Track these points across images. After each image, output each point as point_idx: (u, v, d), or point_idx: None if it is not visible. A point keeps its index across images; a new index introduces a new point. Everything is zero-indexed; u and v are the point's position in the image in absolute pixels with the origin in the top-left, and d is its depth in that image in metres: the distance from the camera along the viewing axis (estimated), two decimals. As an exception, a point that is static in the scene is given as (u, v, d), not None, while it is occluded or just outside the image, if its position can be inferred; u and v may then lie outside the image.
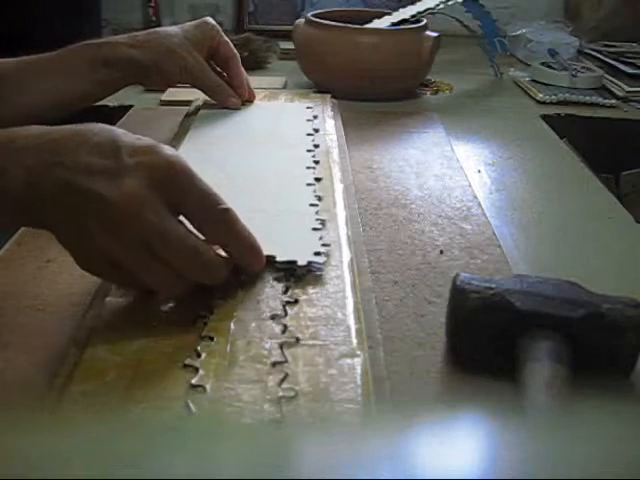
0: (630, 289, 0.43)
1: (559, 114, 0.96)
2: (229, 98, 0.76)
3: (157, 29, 0.76)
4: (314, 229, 0.50)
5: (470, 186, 0.68)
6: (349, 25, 0.94)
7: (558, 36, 1.24)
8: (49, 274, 0.50)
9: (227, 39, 0.77)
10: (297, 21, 1.01)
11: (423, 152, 0.76)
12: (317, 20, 0.95)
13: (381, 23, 1.00)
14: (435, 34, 0.95)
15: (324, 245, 0.48)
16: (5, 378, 0.39)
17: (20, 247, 0.54)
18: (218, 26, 0.77)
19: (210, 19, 0.77)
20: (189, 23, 0.76)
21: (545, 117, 0.93)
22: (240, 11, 1.44)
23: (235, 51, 0.78)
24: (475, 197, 0.65)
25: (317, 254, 0.46)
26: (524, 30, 1.27)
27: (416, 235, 0.57)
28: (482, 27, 1.09)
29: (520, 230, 0.60)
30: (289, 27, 1.04)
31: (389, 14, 1.02)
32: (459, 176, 0.70)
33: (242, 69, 0.78)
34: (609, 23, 1.30)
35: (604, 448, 0.21)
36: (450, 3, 1.03)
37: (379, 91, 0.94)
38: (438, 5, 1.02)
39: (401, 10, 1.03)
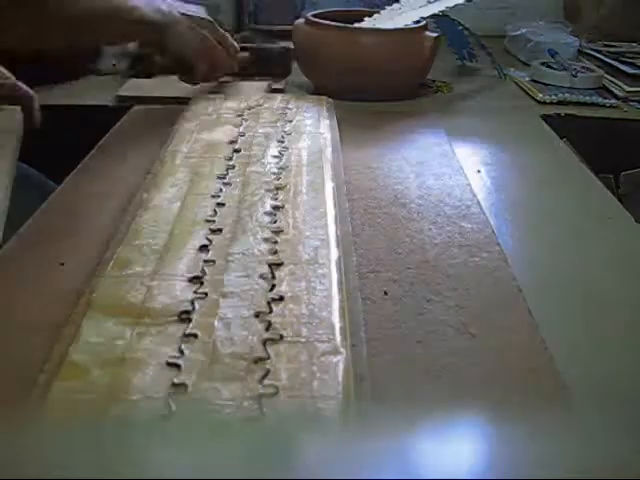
0: (630, 289, 0.43)
1: (559, 114, 0.96)
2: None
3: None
4: None
5: (469, 186, 0.68)
6: (349, 25, 0.94)
7: (558, 36, 1.24)
8: (49, 274, 0.50)
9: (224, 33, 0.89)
10: (297, 21, 1.01)
11: (423, 152, 0.76)
12: (317, 20, 0.95)
13: (380, 20, 1.00)
14: (435, 34, 0.95)
15: None
16: (6, 377, 0.39)
17: (20, 247, 0.54)
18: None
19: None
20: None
21: (545, 117, 0.93)
22: (240, 11, 1.44)
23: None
24: (475, 196, 0.65)
25: None
26: (524, 30, 1.27)
27: (415, 234, 0.57)
28: (450, 41, 1.14)
29: (520, 230, 0.60)
30: (289, 27, 1.04)
31: (382, 11, 1.03)
32: (459, 176, 0.70)
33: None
34: (609, 23, 1.30)
35: (604, 448, 0.21)
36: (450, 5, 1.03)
37: (379, 91, 0.94)
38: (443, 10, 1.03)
39: (404, 15, 1.02)
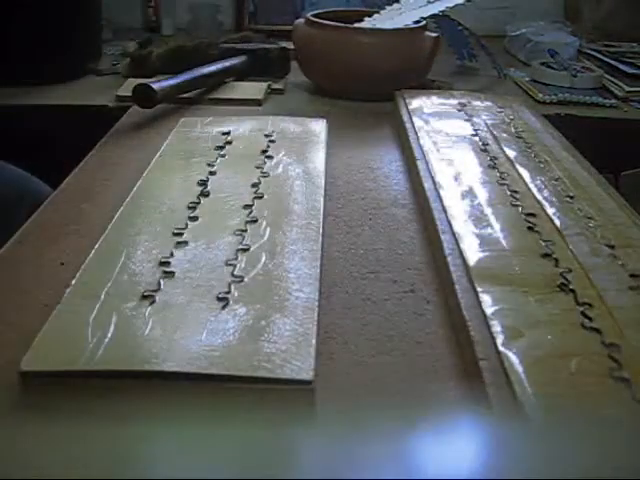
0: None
1: (559, 114, 0.96)
2: None
3: None
4: None
5: (470, 186, 0.68)
6: (349, 25, 0.94)
7: (558, 36, 1.24)
8: (50, 272, 0.50)
9: None
10: (297, 21, 1.01)
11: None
12: (317, 20, 0.95)
13: (380, 20, 1.00)
14: (435, 34, 0.96)
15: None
16: (5, 377, 0.39)
17: (21, 246, 0.54)
18: None
19: None
20: None
21: (545, 117, 0.93)
22: (240, 11, 1.44)
23: None
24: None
25: None
26: (524, 30, 1.28)
27: (415, 234, 0.57)
28: (450, 41, 1.15)
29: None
30: (289, 27, 1.04)
31: (382, 11, 1.03)
32: (459, 176, 0.70)
33: None
34: (609, 23, 1.30)
35: (603, 449, 0.21)
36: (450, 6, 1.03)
37: (379, 91, 0.94)
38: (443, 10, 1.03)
39: (404, 15, 1.02)
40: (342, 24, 0.94)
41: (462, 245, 0.50)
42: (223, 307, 0.43)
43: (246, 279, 0.46)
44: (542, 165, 0.67)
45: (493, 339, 0.40)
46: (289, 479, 0.20)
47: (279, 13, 1.41)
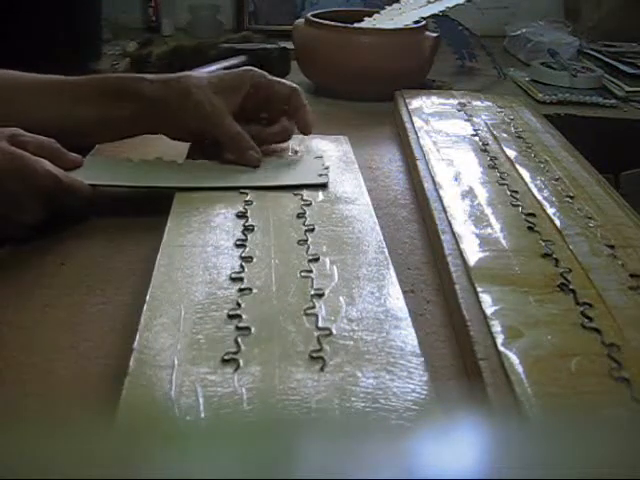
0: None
1: (559, 114, 0.96)
2: (246, 151, 0.62)
3: (188, 72, 0.65)
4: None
5: (470, 186, 0.68)
6: (349, 25, 0.94)
7: (558, 36, 1.24)
8: (50, 272, 0.50)
9: (275, 79, 0.66)
10: (297, 21, 1.01)
11: (423, 152, 0.76)
12: (317, 20, 0.95)
13: (380, 20, 1.00)
14: (435, 34, 0.96)
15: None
16: (5, 378, 0.39)
17: (21, 246, 0.53)
18: (259, 70, 0.66)
19: (251, 67, 0.66)
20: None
21: (545, 117, 0.93)
22: (240, 11, 1.44)
23: (294, 86, 0.66)
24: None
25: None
26: (524, 30, 1.28)
27: (415, 234, 0.57)
28: (450, 41, 1.15)
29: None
30: (289, 27, 1.05)
31: (382, 11, 1.03)
32: (459, 176, 0.70)
33: (304, 104, 0.66)
34: (609, 23, 1.30)
35: (603, 448, 0.21)
36: (450, 6, 1.03)
37: (379, 91, 0.94)
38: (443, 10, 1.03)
39: (404, 15, 1.03)
40: (342, 24, 0.94)
41: (462, 245, 0.50)
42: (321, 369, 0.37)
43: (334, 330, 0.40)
44: (542, 165, 0.67)
45: (493, 339, 0.40)
46: (290, 479, 0.20)
47: (279, 13, 1.41)
